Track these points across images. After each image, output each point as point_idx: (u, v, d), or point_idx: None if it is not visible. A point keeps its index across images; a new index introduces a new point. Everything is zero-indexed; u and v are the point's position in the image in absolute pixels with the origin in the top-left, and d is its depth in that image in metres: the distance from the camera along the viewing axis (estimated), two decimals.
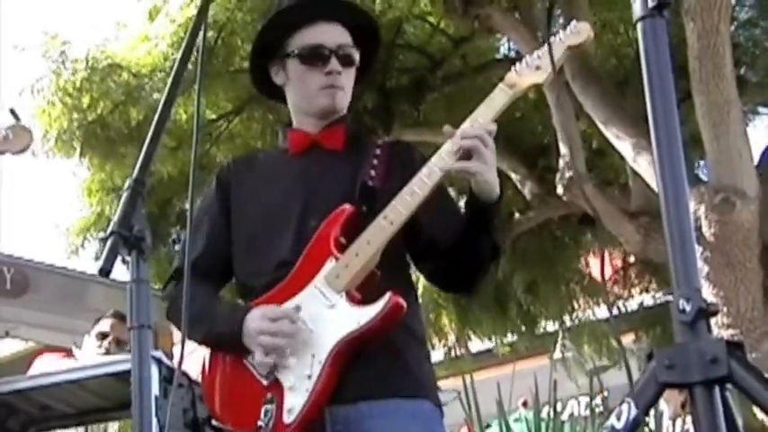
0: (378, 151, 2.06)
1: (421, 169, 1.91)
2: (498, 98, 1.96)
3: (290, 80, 2.11)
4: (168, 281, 2.09)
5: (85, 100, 6.84)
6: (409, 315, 1.91)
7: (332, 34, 2.07)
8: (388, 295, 1.82)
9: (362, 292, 1.88)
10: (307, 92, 2.08)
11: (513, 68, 1.99)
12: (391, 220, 1.88)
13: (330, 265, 1.90)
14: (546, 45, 1.94)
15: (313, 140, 2.09)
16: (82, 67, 6.85)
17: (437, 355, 9.96)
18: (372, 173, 2.00)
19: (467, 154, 1.86)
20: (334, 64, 2.04)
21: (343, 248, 1.91)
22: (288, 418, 1.81)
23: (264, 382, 1.86)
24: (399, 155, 2.08)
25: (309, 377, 1.82)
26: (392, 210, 1.89)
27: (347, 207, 1.94)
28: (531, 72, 1.97)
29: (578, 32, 1.97)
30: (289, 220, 1.99)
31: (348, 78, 2.09)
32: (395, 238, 1.89)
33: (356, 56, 2.10)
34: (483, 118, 1.93)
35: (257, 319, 1.87)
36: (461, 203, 2.01)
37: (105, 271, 1.18)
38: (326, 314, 1.87)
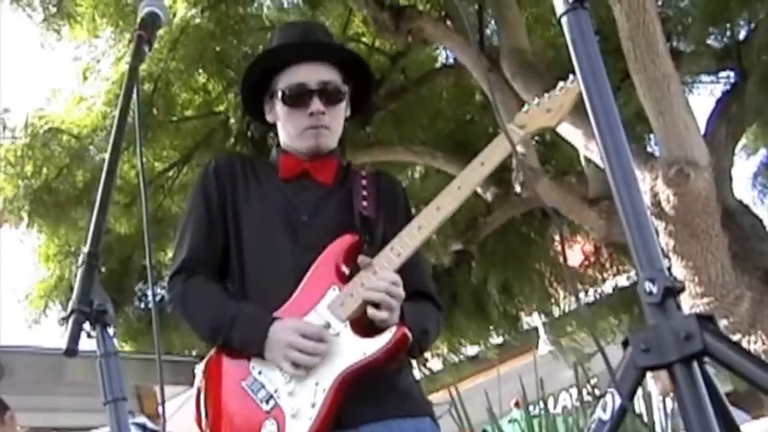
0: (364, 182, 2.08)
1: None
2: (508, 140, 1.93)
3: (278, 120, 2.15)
4: (173, 276, 2.03)
5: (29, 167, 6.75)
6: None
7: (315, 73, 2.08)
8: (395, 327, 1.84)
9: (363, 322, 1.88)
10: (292, 132, 2.10)
11: (524, 109, 1.99)
12: (398, 252, 1.89)
13: (333, 293, 1.89)
14: (557, 88, 1.96)
15: (304, 169, 2.10)
16: (21, 134, 6.76)
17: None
18: (365, 203, 2.02)
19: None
20: (316, 104, 2.06)
21: (345, 277, 1.90)
22: None
23: (265, 407, 1.84)
24: (385, 188, 2.11)
25: (313, 405, 1.81)
26: (400, 242, 1.90)
27: (350, 236, 1.95)
28: (541, 115, 1.98)
29: None
30: (283, 243, 1.98)
31: (334, 116, 2.11)
32: None
33: (343, 92, 2.11)
34: (488, 162, 1.96)
35: (289, 331, 1.85)
36: None
37: (71, 351, 1.17)
38: (330, 342, 1.86)
